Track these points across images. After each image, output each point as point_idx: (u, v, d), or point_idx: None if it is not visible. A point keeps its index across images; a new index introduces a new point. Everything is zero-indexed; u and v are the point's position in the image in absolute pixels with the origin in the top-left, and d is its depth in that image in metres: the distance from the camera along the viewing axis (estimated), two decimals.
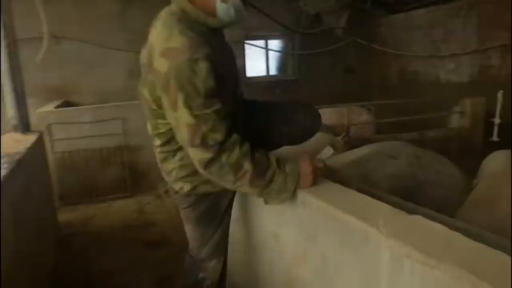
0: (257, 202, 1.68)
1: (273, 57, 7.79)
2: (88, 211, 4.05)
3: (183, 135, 1.29)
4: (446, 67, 6.70)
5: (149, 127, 1.54)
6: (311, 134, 1.75)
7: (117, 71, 6.11)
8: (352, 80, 8.10)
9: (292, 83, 7.65)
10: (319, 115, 1.75)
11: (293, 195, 1.42)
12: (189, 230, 1.68)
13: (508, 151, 2.66)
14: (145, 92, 1.39)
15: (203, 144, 1.26)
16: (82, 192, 4.31)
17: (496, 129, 5.30)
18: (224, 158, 1.28)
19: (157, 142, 1.53)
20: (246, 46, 7.21)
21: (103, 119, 4.41)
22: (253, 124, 1.61)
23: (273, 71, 7.82)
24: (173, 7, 1.34)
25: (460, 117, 5.07)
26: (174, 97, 1.23)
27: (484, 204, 2.17)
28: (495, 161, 2.64)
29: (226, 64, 1.41)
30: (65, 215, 3.89)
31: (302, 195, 1.40)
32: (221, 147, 1.28)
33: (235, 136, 1.31)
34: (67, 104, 5.46)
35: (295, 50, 7.63)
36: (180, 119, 1.26)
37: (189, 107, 1.22)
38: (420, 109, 6.29)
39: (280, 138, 1.70)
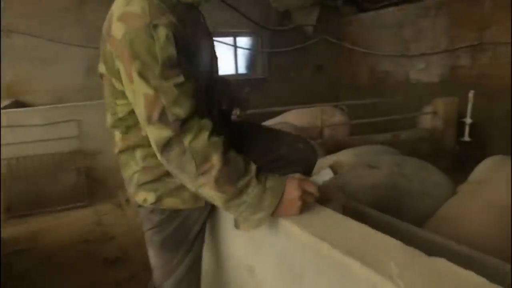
0: (229, 224, 1.40)
1: (242, 55, 7.51)
2: (38, 224, 3.65)
3: (141, 109, 1.09)
4: (416, 66, 6.65)
5: (108, 118, 1.31)
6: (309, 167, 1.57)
7: (73, 68, 5.64)
8: (321, 79, 7.95)
9: (262, 81, 7.41)
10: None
11: (271, 221, 1.14)
12: (153, 256, 1.39)
13: (503, 157, 2.50)
14: (103, 68, 1.21)
15: (162, 119, 1.05)
16: (32, 202, 3.89)
17: (467, 129, 5.27)
18: (186, 140, 1.05)
19: (117, 136, 1.31)
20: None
21: (57, 121, 4.02)
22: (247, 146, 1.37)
23: (242, 70, 7.54)
24: None
25: (432, 118, 4.98)
26: (129, 66, 1.06)
27: (448, 220, 2.00)
28: (481, 170, 2.47)
29: (201, 43, 1.25)
30: (10, 230, 3.47)
31: (284, 223, 1.14)
32: (184, 125, 1.06)
33: (205, 121, 1.09)
34: (17, 104, 4.98)
35: (264, 47, 7.40)
36: (137, 91, 1.08)
37: (145, 77, 1.05)
38: (390, 109, 6.22)
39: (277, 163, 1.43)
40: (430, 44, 6.32)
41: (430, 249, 1.37)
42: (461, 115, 5.18)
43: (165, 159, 1.09)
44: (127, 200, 3.83)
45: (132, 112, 1.20)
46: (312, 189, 1.17)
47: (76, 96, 5.36)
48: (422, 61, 6.52)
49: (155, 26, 1.04)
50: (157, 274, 1.41)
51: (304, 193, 1.14)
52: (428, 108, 5.23)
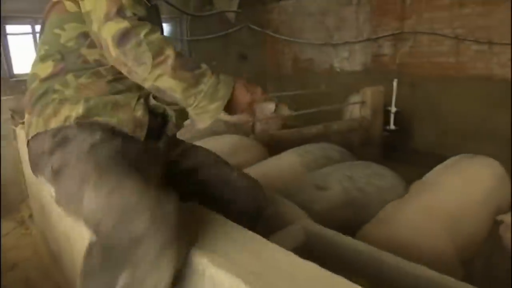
0: None
1: None
2: None
3: (100, 11, 1.07)
4: (340, 55, 6.66)
5: (35, 59, 1.23)
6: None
7: None
8: (246, 68, 7.68)
9: None
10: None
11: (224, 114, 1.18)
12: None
13: (467, 157, 2.37)
14: None
15: (119, 13, 1.07)
16: None
17: (392, 117, 5.36)
18: (142, 32, 1.06)
19: (42, 68, 1.19)
20: None
21: None
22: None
23: None
24: None
25: (361, 107, 4.96)
26: None
27: (384, 224, 1.86)
28: (438, 170, 2.31)
29: None
30: None
31: (213, 270, 0.88)
32: (140, 20, 1.09)
33: (157, 27, 1.12)
34: None
35: (183, 35, 6.91)
36: None
37: None
38: (317, 98, 6.16)
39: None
40: (353, 33, 6.34)
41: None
42: (385, 103, 5.25)
43: (121, 52, 1.05)
44: (31, 216, 3.23)
45: (78, 37, 1.18)
46: (256, 89, 1.19)
47: None
48: (345, 49, 6.54)
49: None
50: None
51: (253, 92, 1.17)
52: (356, 98, 5.22)
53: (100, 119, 1.11)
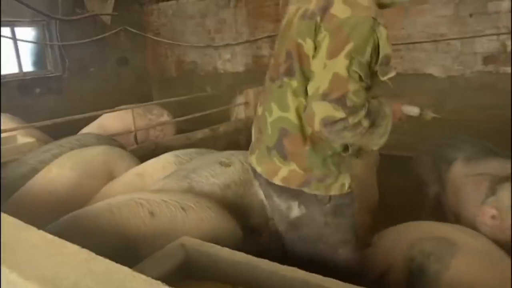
0: None
1: (28, 49, 6.27)
2: None
3: (321, 84, 1.22)
4: (222, 57, 6.76)
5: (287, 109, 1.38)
6: None
7: None
8: (128, 73, 7.36)
9: (57, 80, 6.37)
10: None
11: None
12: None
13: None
14: (307, 45, 1.30)
15: (340, 101, 1.19)
16: None
17: None
18: (352, 121, 1.21)
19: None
20: None
21: None
22: None
23: (28, 67, 6.29)
24: None
25: (245, 108, 5.10)
26: (342, 44, 1.20)
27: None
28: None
29: None
30: None
31: None
32: (355, 111, 1.21)
33: (368, 106, 1.26)
34: None
35: (53, 39, 6.33)
36: (331, 67, 1.21)
37: (350, 60, 1.19)
38: (204, 101, 6.17)
39: None
40: (233, 35, 6.48)
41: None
42: None
43: (326, 131, 1.23)
44: None
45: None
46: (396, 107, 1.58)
47: None
48: (227, 51, 6.66)
49: (379, 24, 1.21)
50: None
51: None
52: (240, 99, 5.35)
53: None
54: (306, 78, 1.32)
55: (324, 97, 1.20)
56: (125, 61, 7.34)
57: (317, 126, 1.23)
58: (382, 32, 1.21)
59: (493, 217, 1.86)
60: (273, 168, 1.45)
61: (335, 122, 1.19)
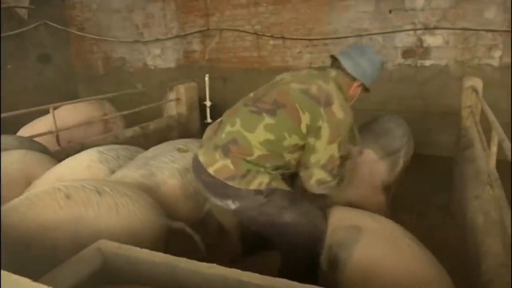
0: None
1: None
2: None
3: (321, 159, 1.86)
4: (152, 52, 6.57)
5: (252, 137, 1.84)
6: None
7: None
8: (50, 70, 6.91)
9: None
10: None
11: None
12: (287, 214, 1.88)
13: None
14: (305, 116, 1.84)
15: (332, 172, 1.89)
16: None
17: (208, 111, 5.57)
18: (335, 184, 1.95)
19: (254, 151, 1.83)
20: None
21: None
22: None
23: None
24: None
25: (177, 104, 5.00)
26: (336, 136, 1.84)
27: None
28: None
29: None
30: None
31: None
32: (337, 178, 1.94)
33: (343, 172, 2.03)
34: None
35: None
36: (329, 150, 1.85)
37: (339, 147, 1.87)
38: (134, 98, 5.97)
39: None
40: (162, 30, 6.32)
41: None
42: (200, 98, 5.41)
43: (317, 188, 1.94)
44: None
45: (293, 147, 1.87)
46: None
47: None
48: (157, 46, 6.48)
49: (353, 123, 1.96)
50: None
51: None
52: (171, 95, 5.24)
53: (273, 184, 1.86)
54: (290, 128, 1.84)
55: (322, 167, 1.87)
56: (47, 58, 6.88)
57: (313, 183, 1.90)
58: (355, 131, 2.15)
59: None
60: (212, 160, 1.85)
61: (325, 183, 1.90)
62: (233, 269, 1.16)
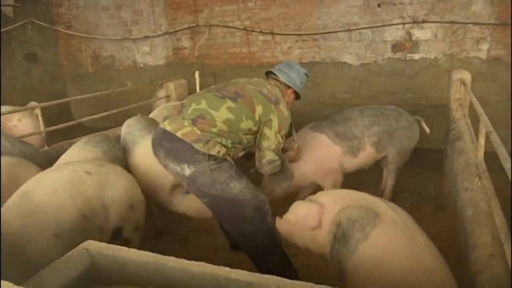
0: None
1: None
2: None
3: (271, 144, 2.40)
4: (141, 50, 6.51)
5: (209, 116, 2.21)
6: None
7: None
8: (38, 70, 6.83)
9: None
10: None
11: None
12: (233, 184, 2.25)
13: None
14: (259, 108, 2.33)
15: (278, 153, 2.47)
16: None
17: None
18: (279, 163, 2.51)
19: (213, 129, 2.19)
20: None
21: None
22: None
23: None
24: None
25: (167, 101, 4.97)
26: (281, 128, 2.41)
27: None
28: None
29: None
30: None
31: None
32: (280, 158, 2.52)
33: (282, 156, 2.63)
34: None
35: None
36: (276, 137, 2.39)
37: (282, 135, 2.43)
38: (123, 97, 5.92)
39: None
40: (151, 27, 6.26)
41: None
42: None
43: (266, 165, 2.47)
44: None
45: (248, 130, 2.32)
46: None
47: None
48: (146, 44, 6.42)
49: (291, 122, 2.54)
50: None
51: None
52: (161, 92, 5.20)
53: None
54: (247, 114, 2.27)
55: (272, 150, 2.41)
56: (34, 57, 6.80)
57: (265, 162, 2.44)
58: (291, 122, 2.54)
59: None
60: (181, 126, 2.16)
61: (273, 162, 2.46)
62: (222, 267, 1.15)
